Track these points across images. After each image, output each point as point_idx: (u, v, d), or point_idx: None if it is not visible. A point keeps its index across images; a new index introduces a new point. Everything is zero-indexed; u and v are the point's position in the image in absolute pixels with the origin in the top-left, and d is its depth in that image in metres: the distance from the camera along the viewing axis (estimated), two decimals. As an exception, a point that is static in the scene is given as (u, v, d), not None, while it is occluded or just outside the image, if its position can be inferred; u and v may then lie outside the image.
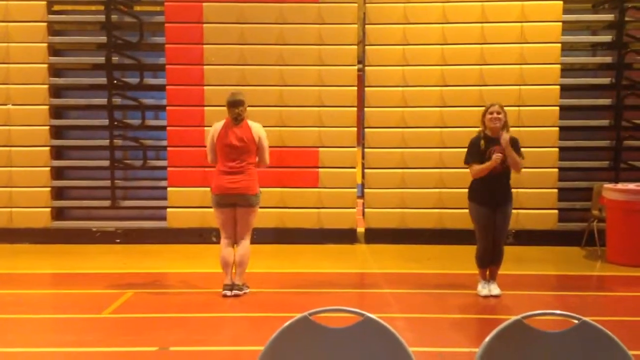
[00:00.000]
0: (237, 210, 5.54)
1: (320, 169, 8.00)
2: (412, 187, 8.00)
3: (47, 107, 8.06)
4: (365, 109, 8.13)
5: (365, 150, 8.20)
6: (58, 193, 8.33)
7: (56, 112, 8.29)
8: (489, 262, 5.58)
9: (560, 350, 1.97)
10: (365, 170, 8.21)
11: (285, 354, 1.98)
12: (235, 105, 5.52)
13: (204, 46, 7.93)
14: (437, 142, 7.95)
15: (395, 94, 7.98)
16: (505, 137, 5.28)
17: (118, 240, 8.07)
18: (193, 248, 7.72)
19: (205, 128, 7.84)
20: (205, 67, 7.94)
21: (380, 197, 8.06)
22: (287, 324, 1.99)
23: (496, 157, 5.28)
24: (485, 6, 7.88)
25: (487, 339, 1.93)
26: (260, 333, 4.57)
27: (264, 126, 5.75)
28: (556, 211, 7.98)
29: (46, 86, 8.05)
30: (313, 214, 8.02)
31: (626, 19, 7.93)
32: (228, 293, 5.51)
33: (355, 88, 8.05)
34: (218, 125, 5.61)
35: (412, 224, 8.00)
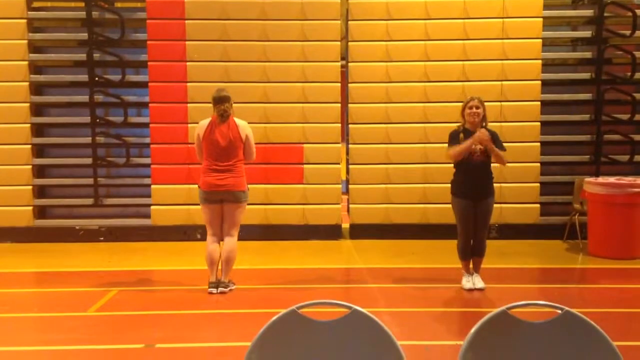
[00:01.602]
0: (225, 206, 5.53)
1: (304, 165, 8.02)
2: (396, 183, 8.05)
3: (27, 104, 7.98)
4: (349, 105, 8.15)
5: (350, 146, 8.23)
6: (40, 191, 8.25)
7: (37, 109, 8.21)
8: (470, 254, 5.65)
9: (544, 340, 2.00)
10: (350, 166, 8.24)
11: (273, 348, 1.99)
12: (221, 101, 5.50)
13: (187, 43, 7.90)
14: (421, 138, 8.01)
15: (379, 89, 8.01)
16: (482, 132, 5.31)
17: (102, 238, 8.03)
18: (178, 245, 7.70)
19: (189, 125, 7.84)
20: (187, 63, 7.91)
21: (365, 192, 8.10)
22: (275, 317, 2.00)
23: (481, 131, 5.30)
24: (467, 2, 7.93)
25: (473, 329, 1.95)
26: (246, 329, 4.58)
27: (248, 123, 5.74)
28: (538, 205, 8.07)
29: (27, 84, 7.96)
30: (298, 210, 8.03)
31: (605, 14, 8.03)
32: (214, 291, 5.52)
33: (339, 84, 8.07)
34: (204, 123, 5.57)
35: (396, 219, 8.05)
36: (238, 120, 5.58)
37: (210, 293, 5.51)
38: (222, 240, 5.62)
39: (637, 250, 6.98)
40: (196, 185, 7.22)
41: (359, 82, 8.07)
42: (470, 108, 5.45)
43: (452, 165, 5.64)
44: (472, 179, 5.46)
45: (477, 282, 5.62)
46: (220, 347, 4.31)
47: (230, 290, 5.59)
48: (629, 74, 8.05)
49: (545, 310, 2.07)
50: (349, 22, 8.08)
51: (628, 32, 7.96)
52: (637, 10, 7.93)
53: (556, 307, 2.00)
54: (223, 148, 5.48)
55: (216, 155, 5.49)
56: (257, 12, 7.90)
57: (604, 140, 8.15)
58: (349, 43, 8.11)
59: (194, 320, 4.85)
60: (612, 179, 7.13)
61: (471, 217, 5.52)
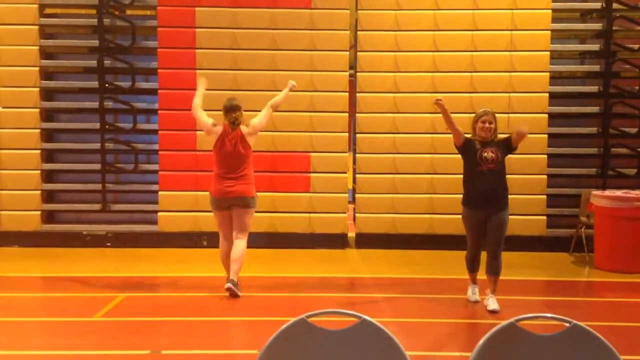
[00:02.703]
0: (233, 211, 5.70)
1: (311, 174, 8.03)
2: (403, 193, 8.06)
3: (38, 110, 8.04)
4: (357, 115, 8.18)
5: (357, 155, 8.24)
6: (48, 196, 8.30)
7: (47, 115, 8.27)
8: (478, 266, 5.60)
9: (552, 353, 2.01)
10: (357, 176, 8.25)
11: (282, 356, 2.00)
12: (232, 110, 5.71)
13: (196, 51, 7.95)
14: (428, 148, 8.01)
15: (387, 100, 8.04)
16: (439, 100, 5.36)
17: (109, 244, 8.05)
18: (184, 252, 7.72)
19: (197, 132, 7.87)
20: (197, 71, 7.95)
21: (371, 202, 8.11)
22: (284, 326, 2.01)
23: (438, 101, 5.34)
24: (476, 14, 7.96)
25: (481, 341, 1.96)
26: (252, 336, 4.60)
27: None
28: (545, 217, 8.06)
29: (37, 89, 8.02)
30: (304, 219, 8.04)
31: (614, 28, 8.04)
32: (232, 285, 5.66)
33: (347, 94, 8.11)
34: (219, 128, 5.75)
35: (402, 229, 8.05)
36: (244, 128, 5.74)
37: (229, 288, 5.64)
38: (233, 242, 5.74)
39: (644, 264, 6.96)
40: (203, 192, 7.29)
41: (367, 92, 8.10)
42: (484, 122, 5.32)
43: (459, 176, 5.59)
44: (482, 189, 5.30)
45: (492, 303, 5.32)
46: (227, 354, 4.32)
47: (237, 290, 5.59)
48: (637, 87, 8.05)
49: (553, 323, 2.08)
50: (358, 32, 8.11)
51: (636, 46, 7.96)
52: (645, 24, 7.95)
53: (564, 320, 2.01)
54: (232, 157, 5.68)
55: (226, 164, 5.69)
56: (266, 21, 7.95)
57: (611, 153, 8.14)
58: (358, 53, 8.15)
59: (200, 327, 4.87)
60: (619, 192, 7.11)
61: (480, 229, 5.36)
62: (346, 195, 8.19)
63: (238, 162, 5.68)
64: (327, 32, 7.97)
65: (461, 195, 5.56)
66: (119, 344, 4.46)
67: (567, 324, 2.00)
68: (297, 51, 7.97)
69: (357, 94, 8.15)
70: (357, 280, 6.77)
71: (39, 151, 8.06)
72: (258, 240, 7.66)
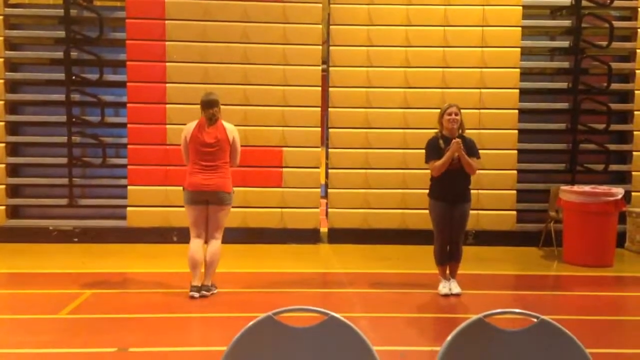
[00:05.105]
0: (209, 208, 5.47)
1: (284, 169, 7.99)
2: (375, 188, 8.06)
3: (2, 102, 7.84)
4: (330, 109, 8.15)
5: (329, 150, 8.22)
6: (13, 190, 8.10)
7: (12, 107, 8.06)
8: (446, 259, 5.68)
9: (520, 348, 2.01)
10: (329, 171, 8.23)
11: (249, 354, 1.96)
12: (210, 105, 5.45)
13: (166, 43, 7.83)
14: (400, 143, 8.03)
15: (359, 94, 8.03)
16: (457, 141, 5.35)
17: (76, 240, 7.90)
18: (153, 248, 7.61)
19: (167, 126, 7.77)
20: (167, 64, 7.84)
21: (344, 197, 8.10)
22: (251, 323, 1.97)
23: (455, 141, 5.34)
24: (448, 10, 8.00)
25: (449, 337, 1.95)
26: (221, 333, 4.54)
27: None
28: (515, 212, 8.15)
29: (2, 81, 7.83)
30: (276, 214, 8.00)
31: (583, 25, 8.14)
32: (195, 295, 5.38)
33: (320, 88, 8.07)
34: (191, 125, 5.53)
35: (375, 224, 8.06)
36: (226, 123, 5.55)
37: (192, 297, 5.37)
38: (207, 242, 5.53)
39: (611, 258, 7.08)
40: (173, 187, 7.20)
41: (340, 87, 8.07)
42: (450, 114, 5.47)
43: (430, 170, 5.64)
44: (449, 183, 5.48)
45: (454, 287, 5.65)
46: (196, 351, 4.26)
47: (212, 294, 5.50)
48: (605, 84, 8.17)
49: (521, 318, 2.08)
50: (331, 27, 8.08)
51: (605, 43, 8.08)
52: (613, 22, 8.06)
53: (532, 316, 2.01)
54: (210, 149, 5.43)
55: (202, 156, 5.44)
56: (238, 14, 7.86)
57: (579, 149, 8.25)
58: (331, 47, 8.12)
59: (168, 324, 4.79)
60: (587, 188, 7.21)
61: (448, 221, 5.55)
62: (319, 190, 8.17)
63: (214, 154, 5.43)
64: (300, 26, 7.93)
65: (433, 191, 5.64)
66: (85, 341, 4.37)
67: (535, 319, 2.00)
68: (269, 45, 7.90)
69: (330, 89, 8.13)
70: (329, 276, 6.75)
71: (3, 144, 7.87)
72: (230, 236, 7.53)
